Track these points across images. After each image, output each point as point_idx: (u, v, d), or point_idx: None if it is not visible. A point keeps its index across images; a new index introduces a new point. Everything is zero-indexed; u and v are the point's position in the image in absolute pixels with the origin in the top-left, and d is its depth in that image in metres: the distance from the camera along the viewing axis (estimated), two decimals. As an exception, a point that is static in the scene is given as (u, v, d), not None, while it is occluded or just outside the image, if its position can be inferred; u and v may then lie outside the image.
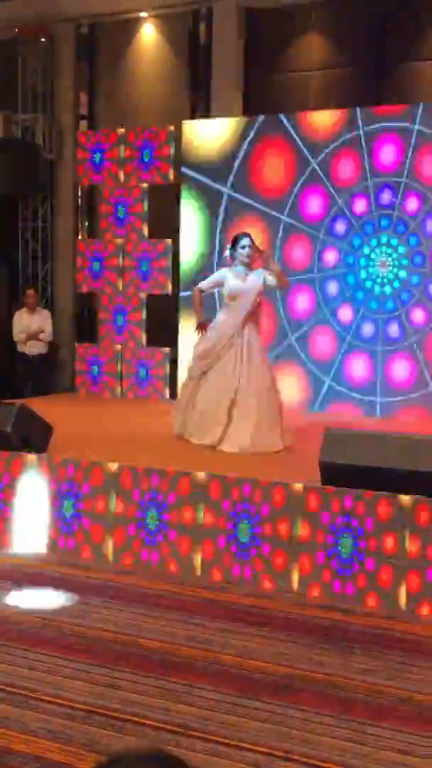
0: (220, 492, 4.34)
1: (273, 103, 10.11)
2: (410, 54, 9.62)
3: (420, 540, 3.91)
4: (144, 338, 9.79)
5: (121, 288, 9.77)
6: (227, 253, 6.52)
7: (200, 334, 6.48)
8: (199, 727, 2.81)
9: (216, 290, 6.93)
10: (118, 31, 10.77)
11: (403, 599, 3.92)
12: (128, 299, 9.77)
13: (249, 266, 6.27)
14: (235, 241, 6.40)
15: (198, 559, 4.35)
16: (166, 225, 9.90)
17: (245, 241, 6.29)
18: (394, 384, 8.06)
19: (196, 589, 4.16)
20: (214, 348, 6.26)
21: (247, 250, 6.24)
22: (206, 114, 10.28)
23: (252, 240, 6.34)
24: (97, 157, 9.85)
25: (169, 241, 9.62)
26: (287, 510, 4.18)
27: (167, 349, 9.75)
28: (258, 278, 6.26)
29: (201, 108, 10.36)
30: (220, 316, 6.43)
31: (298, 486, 4.21)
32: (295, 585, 4.12)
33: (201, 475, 4.42)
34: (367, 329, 8.20)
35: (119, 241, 9.75)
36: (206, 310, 6.83)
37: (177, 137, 9.57)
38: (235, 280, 6.29)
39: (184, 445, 6.00)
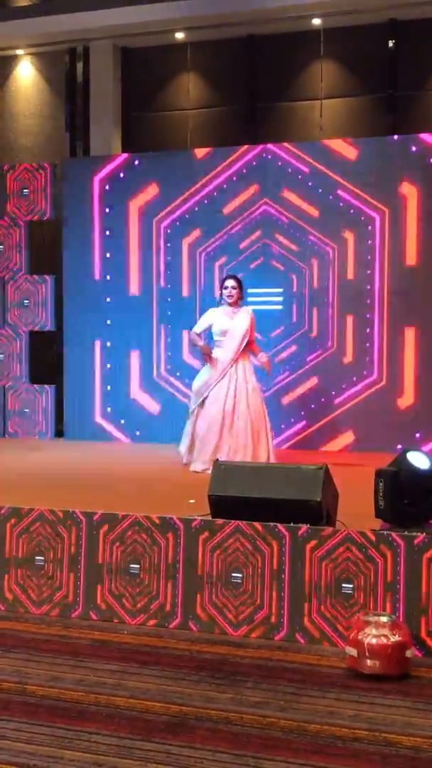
0: (100, 528, 4.27)
1: (152, 141, 10.22)
2: (283, 95, 9.91)
3: (307, 567, 3.95)
4: (27, 375, 9.63)
5: (1, 324, 9.60)
6: (217, 293, 7.29)
7: (208, 361, 7.03)
8: (90, 773, 2.73)
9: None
10: (-6, 68, 10.69)
11: (294, 629, 3.93)
12: (9, 335, 9.60)
13: (234, 305, 7.05)
14: (222, 283, 7.15)
15: (81, 599, 4.25)
16: (47, 261, 9.82)
17: (228, 283, 7.04)
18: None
19: (83, 630, 4.06)
20: (207, 385, 6.94)
21: (229, 290, 6.94)
22: (86, 152, 10.31)
23: (237, 281, 7.03)
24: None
25: (50, 276, 9.54)
26: (176, 544, 4.15)
27: (51, 386, 9.62)
28: (245, 317, 6.98)
29: (80, 146, 10.38)
30: (215, 352, 6.99)
31: (189, 518, 4.19)
32: (186, 621, 4.09)
33: (75, 511, 4.35)
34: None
35: (-1, 277, 9.59)
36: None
37: (56, 174, 9.55)
38: (223, 318, 6.98)
39: (61, 480, 5.87)
